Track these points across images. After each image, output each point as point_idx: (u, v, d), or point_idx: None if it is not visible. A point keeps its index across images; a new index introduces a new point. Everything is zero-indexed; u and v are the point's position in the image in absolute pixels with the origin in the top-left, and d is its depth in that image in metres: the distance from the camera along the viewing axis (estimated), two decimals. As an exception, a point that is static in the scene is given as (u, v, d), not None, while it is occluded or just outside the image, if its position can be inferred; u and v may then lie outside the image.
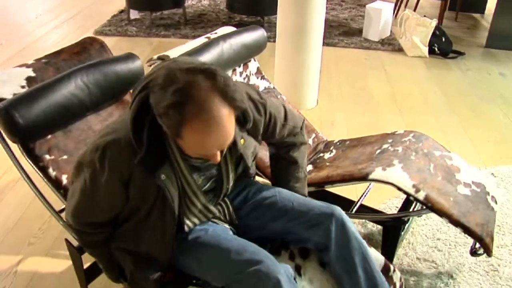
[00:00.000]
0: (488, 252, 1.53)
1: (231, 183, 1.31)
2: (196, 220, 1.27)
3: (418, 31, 3.94)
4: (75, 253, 1.47)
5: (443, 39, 4.01)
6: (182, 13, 4.64)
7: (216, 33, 2.05)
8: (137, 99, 1.03)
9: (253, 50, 2.03)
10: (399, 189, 1.55)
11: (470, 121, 2.98)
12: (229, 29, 2.10)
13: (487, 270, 1.82)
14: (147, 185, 1.12)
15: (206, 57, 1.78)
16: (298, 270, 1.31)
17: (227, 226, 1.33)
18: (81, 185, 1.15)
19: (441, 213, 1.51)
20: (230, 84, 0.99)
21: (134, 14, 4.65)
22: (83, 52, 1.59)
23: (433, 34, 3.94)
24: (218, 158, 1.06)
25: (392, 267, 1.40)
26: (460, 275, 1.79)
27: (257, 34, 2.03)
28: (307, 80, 2.92)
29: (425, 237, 1.97)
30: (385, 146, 1.80)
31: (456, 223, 1.50)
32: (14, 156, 1.40)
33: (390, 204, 2.16)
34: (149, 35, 4.26)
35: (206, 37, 2.00)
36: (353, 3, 5.46)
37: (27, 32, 4.41)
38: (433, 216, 2.10)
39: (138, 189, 1.12)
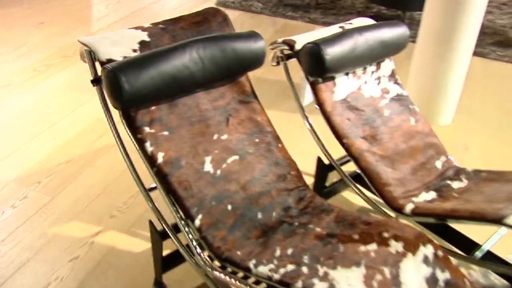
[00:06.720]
0: None
1: None
2: None
3: None
4: (157, 237, 1.37)
5: None
6: (315, -5, 4.42)
7: (351, 23, 1.82)
8: None
9: (390, 48, 1.76)
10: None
11: None
12: (367, 20, 1.85)
13: None
14: None
15: (336, 50, 1.56)
16: None
17: None
18: None
19: None
20: None
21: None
22: (204, 23, 1.45)
23: None
24: None
25: None
26: None
27: (398, 30, 1.76)
28: (445, 92, 2.55)
29: None
30: (536, 191, 1.45)
31: None
32: (113, 121, 1.31)
33: (521, 258, 1.78)
34: (274, 14, 4.09)
35: (340, 27, 1.78)
36: (515, 8, 4.77)
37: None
38: None
39: None
